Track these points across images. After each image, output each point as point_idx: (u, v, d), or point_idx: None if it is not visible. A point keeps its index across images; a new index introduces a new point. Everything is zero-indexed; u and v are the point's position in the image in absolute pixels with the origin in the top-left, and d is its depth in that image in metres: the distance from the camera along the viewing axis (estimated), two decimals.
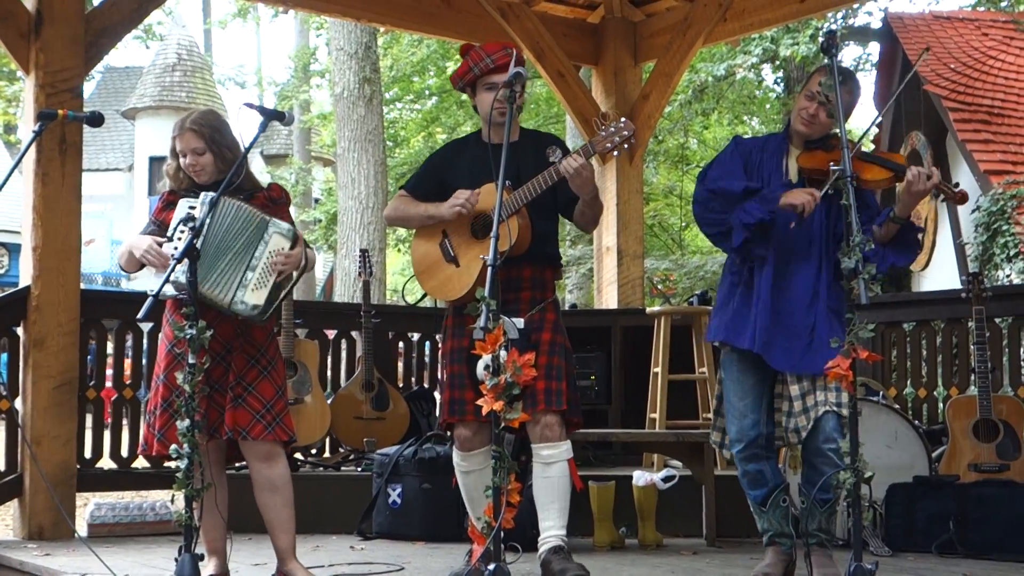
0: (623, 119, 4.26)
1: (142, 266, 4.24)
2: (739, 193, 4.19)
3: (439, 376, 4.61)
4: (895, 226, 4.15)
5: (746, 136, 4.63)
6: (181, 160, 4.26)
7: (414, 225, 4.58)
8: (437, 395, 7.41)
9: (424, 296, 4.66)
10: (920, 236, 4.28)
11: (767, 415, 4.29)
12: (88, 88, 6.15)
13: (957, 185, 4.22)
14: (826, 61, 4.00)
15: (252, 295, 4.08)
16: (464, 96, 18.45)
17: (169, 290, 4.01)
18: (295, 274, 4.23)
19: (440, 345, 4.58)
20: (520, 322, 4.01)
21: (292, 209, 4.52)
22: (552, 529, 4.28)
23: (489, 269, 3.75)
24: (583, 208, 4.38)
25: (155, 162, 26.43)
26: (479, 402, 3.76)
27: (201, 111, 4.36)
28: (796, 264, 4.21)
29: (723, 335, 4.31)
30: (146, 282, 4.43)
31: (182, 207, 4.14)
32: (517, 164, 4.30)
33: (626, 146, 4.24)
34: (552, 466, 4.27)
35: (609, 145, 4.21)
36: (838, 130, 3.95)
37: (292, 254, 4.15)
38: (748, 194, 4.19)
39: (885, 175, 4.14)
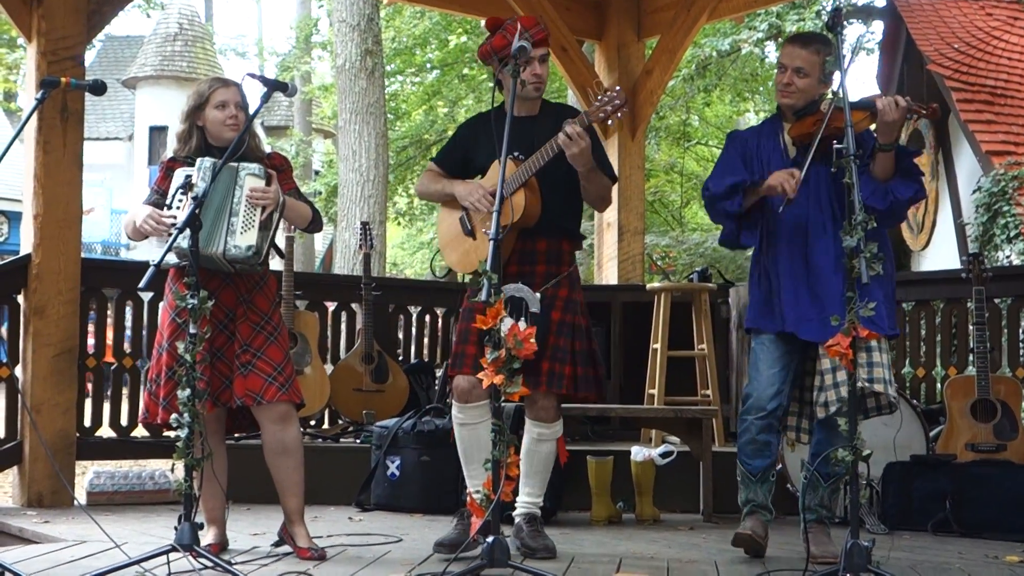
0: (616, 88, 4.29)
1: (147, 236, 4.26)
2: (724, 192, 4.34)
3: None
4: (888, 156, 4.15)
5: (740, 129, 4.70)
6: (219, 111, 4.25)
7: (435, 200, 4.69)
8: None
9: (449, 272, 4.73)
10: (916, 160, 4.30)
11: (789, 390, 4.34)
12: (88, 57, 6.13)
13: (927, 104, 4.21)
14: (795, 32, 4.05)
15: (242, 238, 4.11)
16: (467, 70, 18.18)
17: (172, 259, 4.03)
18: (277, 214, 4.22)
19: None
20: (538, 295, 4.10)
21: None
22: (531, 496, 4.47)
23: (491, 243, 3.78)
24: (583, 183, 4.41)
25: (155, 132, 26.38)
26: (480, 375, 3.79)
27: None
28: (813, 235, 4.28)
29: (757, 323, 4.42)
30: (147, 251, 4.44)
31: (178, 176, 4.16)
32: (532, 137, 4.35)
33: (619, 114, 4.27)
34: (543, 443, 4.43)
35: (602, 115, 4.25)
36: (827, 97, 4.00)
37: (269, 189, 4.17)
38: (733, 190, 4.31)
39: (862, 115, 4.14)
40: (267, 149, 4.48)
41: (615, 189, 7.91)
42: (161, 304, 4.46)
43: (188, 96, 4.40)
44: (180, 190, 4.10)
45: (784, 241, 4.31)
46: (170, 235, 3.98)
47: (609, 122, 4.31)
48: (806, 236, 4.29)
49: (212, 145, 4.31)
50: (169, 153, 4.42)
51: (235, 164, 4.16)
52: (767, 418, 4.34)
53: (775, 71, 4.56)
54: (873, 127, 4.21)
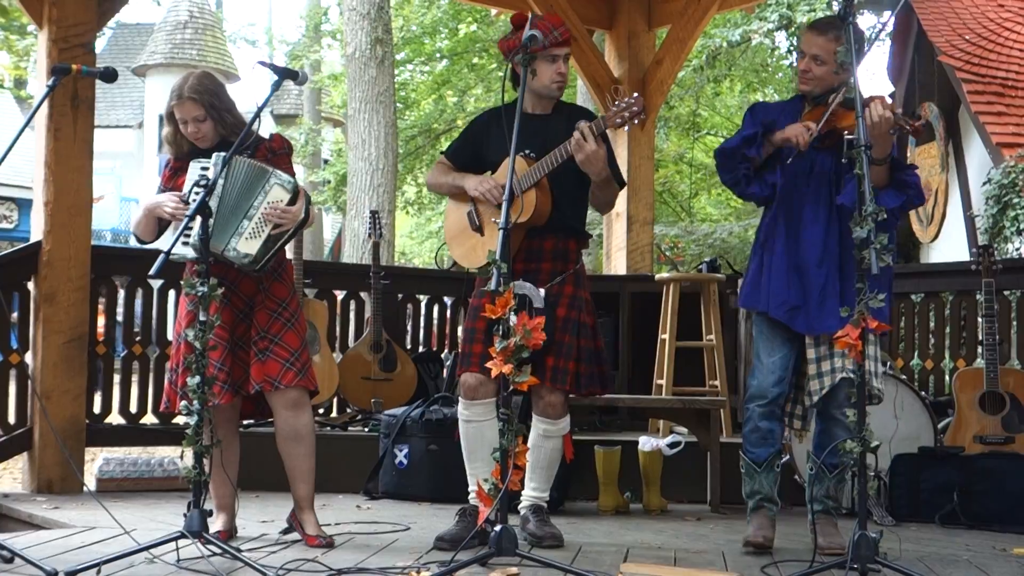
0: (635, 94, 4.28)
1: (159, 234, 4.27)
2: (739, 144, 4.33)
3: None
4: (882, 169, 4.14)
5: (765, 101, 4.69)
6: (182, 127, 4.27)
7: (444, 192, 4.68)
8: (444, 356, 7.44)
9: (455, 264, 4.74)
10: (913, 177, 4.29)
11: (791, 377, 4.34)
12: (98, 45, 6.12)
13: (916, 117, 4.19)
14: (812, 19, 4.06)
15: (245, 244, 4.10)
16: (476, 59, 18.16)
17: (188, 253, 4.02)
18: (292, 229, 4.23)
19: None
20: (542, 292, 4.16)
21: (301, 169, 4.55)
22: (537, 490, 4.49)
23: (500, 233, 3.79)
24: (593, 188, 4.43)
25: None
26: (488, 364, 3.79)
27: (196, 75, 4.34)
28: (806, 224, 4.29)
29: (745, 300, 4.45)
30: (159, 239, 4.44)
31: (194, 169, 4.15)
32: (544, 136, 4.36)
33: (635, 121, 4.27)
34: (549, 439, 4.46)
35: (619, 120, 4.25)
36: (843, 86, 3.98)
37: (290, 210, 4.15)
38: (748, 141, 4.32)
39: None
40: (265, 134, 4.44)
41: (625, 179, 7.97)
42: (174, 292, 4.47)
43: None
44: (196, 185, 4.09)
45: (783, 223, 4.32)
46: (182, 225, 3.99)
47: (625, 128, 4.32)
48: (799, 223, 4.30)
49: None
50: (169, 153, 4.42)
51: (269, 169, 4.16)
52: (769, 405, 4.34)
53: (783, 61, 4.57)
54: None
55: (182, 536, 3.80)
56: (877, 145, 4.06)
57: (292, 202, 4.17)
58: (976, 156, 11.86)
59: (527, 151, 4.35)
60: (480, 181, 4.43)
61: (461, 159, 4.61)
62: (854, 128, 4.07)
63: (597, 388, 4.51)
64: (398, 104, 16.22)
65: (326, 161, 23.28)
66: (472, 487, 4.42)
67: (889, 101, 4.11)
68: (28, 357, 5.82)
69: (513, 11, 8.18)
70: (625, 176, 8.04)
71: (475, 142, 4.61)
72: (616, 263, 8.16)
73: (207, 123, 4.24)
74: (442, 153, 4.76)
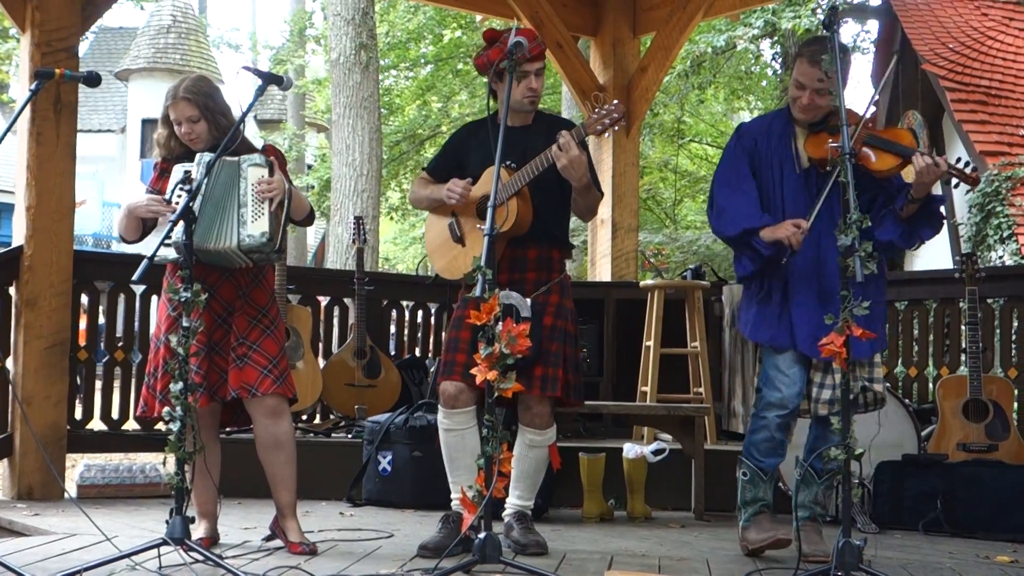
0: (614, 101, 4.31)
1: (142, 234, 4.24)
2: (737, 236, 4.32)
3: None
4: (916, 204, 4.17)
5: (747, 121, 4.65)
6: (176, 129, 4.26)
7: (424, 207, 4.68)
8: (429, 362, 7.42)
9: (436, 277, 4.74)
10: (942, 206, 4.34)
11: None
12: (81, 49, 6.10)
13: (968, 165, 4.19)
14: (807, 44, 4.09)
15: (254, 227, 4.09)
16: (461, 65, 18.20)
17: (170, 254, 4.01)
18: (287, 200, 4.20)
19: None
20: (528, 301, 4.17)
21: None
22: (521, 499, 4.49)
23: (485, 239, 3.78)
24: (575, 195, 4.43)
25: (148, 124, 26.27)
26: (473, 371, 3.78)
27: (192, 78, 4.35)
28: (823, 252, 4.26)
29: (761, 336, 4.39)
30: (141, 244, 4.42)
31: (177, 171, 4.14)
32: (525, 147, 4.37)
33: (616, 128, 4.28)
34: (535, 449, 4.44)
35: (600, 127, 4.26)
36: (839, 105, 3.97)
37: (274, 179, 4.14)
38: (746, 234, 4.29)
39: (895, 162, 4.15)
40: (258, 144, 4.45)
41: (609, 185, 7.98)
42: (156, 298, 4.44)
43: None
44: (179, 185, 4.07)
45: (798, 257, 4.28)
46: (166, 229, 3.97)
47: (606, 135, 4.32)
48: (818, 251, 4.27)
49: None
50: (159, 155, 4.40)
51: (236, 158, 4.15)
52: (789, 416, 4.33)
53: (767, 69, 4.55)
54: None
55: (164, 543, 3.78)
56: (920, 188, 4.11)
57: (271, 174, 4.17)
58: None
59: (508, 162, 4.34)
60: (446, 188, 4.44)
61: (442, 173, 4.60)
62: (886, 174, 4.09)
63: (579, 400, 4.52)
64: (382, 110, 16.20)
65: (310, 166, 23.26)
66: (455, 495, 4.41)
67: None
68: (9, 362, 5.78)
69: (498, 17, 8.22)
70: (610, 183, 8.11)
71: (455, 156, 4.61)
72: (601, 270, 8.15)
73: (201, 124, 4.23)
74: (423, 169, 4.76)
